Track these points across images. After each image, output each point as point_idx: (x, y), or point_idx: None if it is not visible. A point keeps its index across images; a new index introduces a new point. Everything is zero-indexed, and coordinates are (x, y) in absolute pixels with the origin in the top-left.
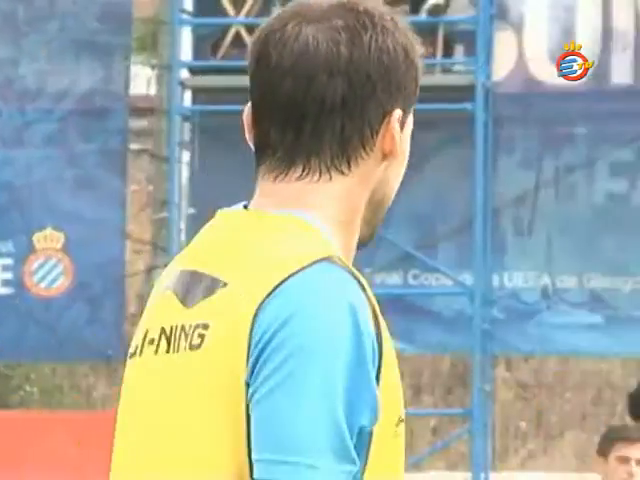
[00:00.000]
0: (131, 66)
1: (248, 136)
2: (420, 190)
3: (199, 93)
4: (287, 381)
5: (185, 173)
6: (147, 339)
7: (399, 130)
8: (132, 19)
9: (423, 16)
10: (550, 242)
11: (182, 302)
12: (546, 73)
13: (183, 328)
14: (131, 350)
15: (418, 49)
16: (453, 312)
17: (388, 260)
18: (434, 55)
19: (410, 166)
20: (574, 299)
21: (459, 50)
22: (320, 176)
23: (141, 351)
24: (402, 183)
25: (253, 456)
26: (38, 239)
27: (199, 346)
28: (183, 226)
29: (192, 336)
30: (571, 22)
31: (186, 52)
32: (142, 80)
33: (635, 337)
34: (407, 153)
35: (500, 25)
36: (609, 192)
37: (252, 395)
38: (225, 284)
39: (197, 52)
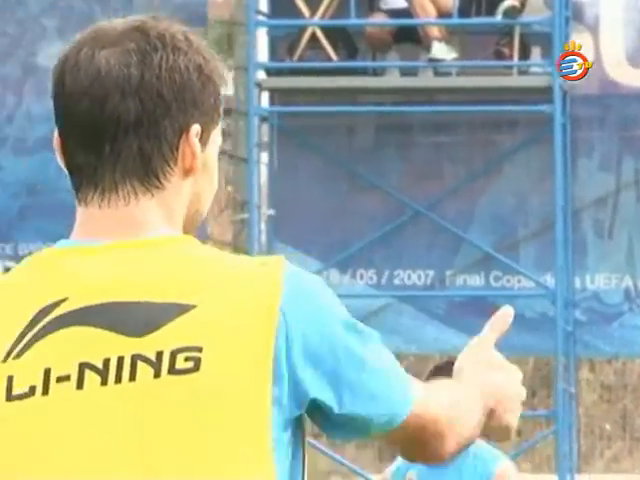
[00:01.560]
0: None
1: (60, 161)
2: (500, 192)
3: (276, 94)
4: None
5: (264, 174)
6: (52, 378)
7: (199, 146)
8: (207, 20)
9: (499, 18)
10: (631, 244)
11: (122, 333)
12: (623, 75)
13: (139, 356)
14: (17, 392)
15: (215, 65)
16: (535, 314)
17: (469, 262)
18: (511, 57)
19: (490, 168)
20: None
21: (536, 52)
22: (140, 195)
23: (46, 391)
24: (482, 185)
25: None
26: None
27: (195, 369)
28: (263, 227)
29: (169, 361)
30: None
31: (262, 53)
32: None
33: None
34: (214, 168)
35: (576, 27)
36: None
37: (335, 386)
38: (193, 306)
39: (273, 53)
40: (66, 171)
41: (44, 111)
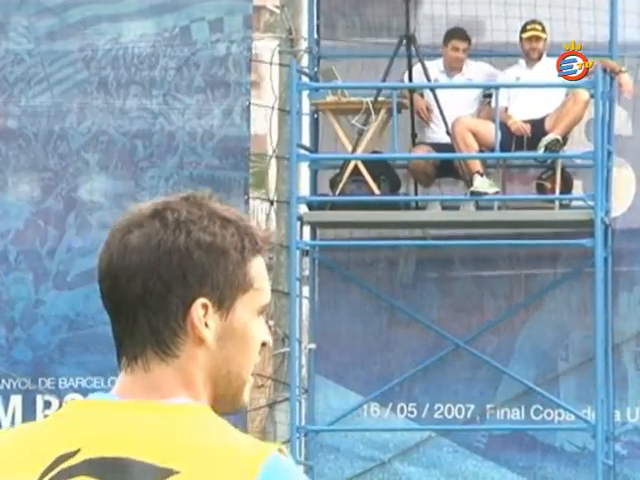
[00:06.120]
0: (249, 201)
1: None
2: (541, 325)
3: (317, 228)
4: None
5: (305, 308)
6: None
7: (202, 318)
8: (249, 154)
9: (540, 152)
10: None
11: None
12: None
13: None
14: None
15: (232, 241)
16: (575, 448)
17: (510, 396)
18: (552, 191)
19: (530, 301)
20: None
21: (577, 185)
22: (155, 364)
23: None
24: (523, 319)
25: None
26: None
27: None
28: (304, 361)
29: None
30: None
31: (304, 187)
32: (261, 215)
33: None
34: (247, 331)
35: (618, 160)
36: None
37: None
38: (177, 472)
39: (314, 187)
40: None
41: (85, 245)
